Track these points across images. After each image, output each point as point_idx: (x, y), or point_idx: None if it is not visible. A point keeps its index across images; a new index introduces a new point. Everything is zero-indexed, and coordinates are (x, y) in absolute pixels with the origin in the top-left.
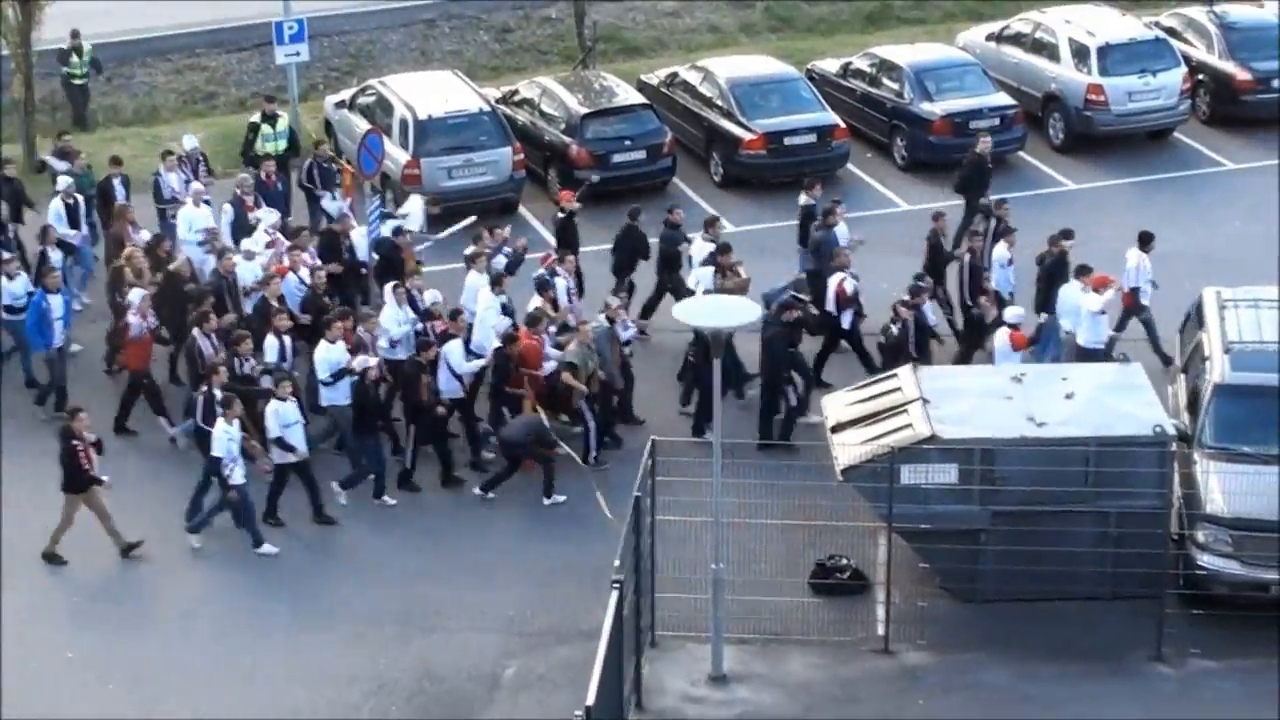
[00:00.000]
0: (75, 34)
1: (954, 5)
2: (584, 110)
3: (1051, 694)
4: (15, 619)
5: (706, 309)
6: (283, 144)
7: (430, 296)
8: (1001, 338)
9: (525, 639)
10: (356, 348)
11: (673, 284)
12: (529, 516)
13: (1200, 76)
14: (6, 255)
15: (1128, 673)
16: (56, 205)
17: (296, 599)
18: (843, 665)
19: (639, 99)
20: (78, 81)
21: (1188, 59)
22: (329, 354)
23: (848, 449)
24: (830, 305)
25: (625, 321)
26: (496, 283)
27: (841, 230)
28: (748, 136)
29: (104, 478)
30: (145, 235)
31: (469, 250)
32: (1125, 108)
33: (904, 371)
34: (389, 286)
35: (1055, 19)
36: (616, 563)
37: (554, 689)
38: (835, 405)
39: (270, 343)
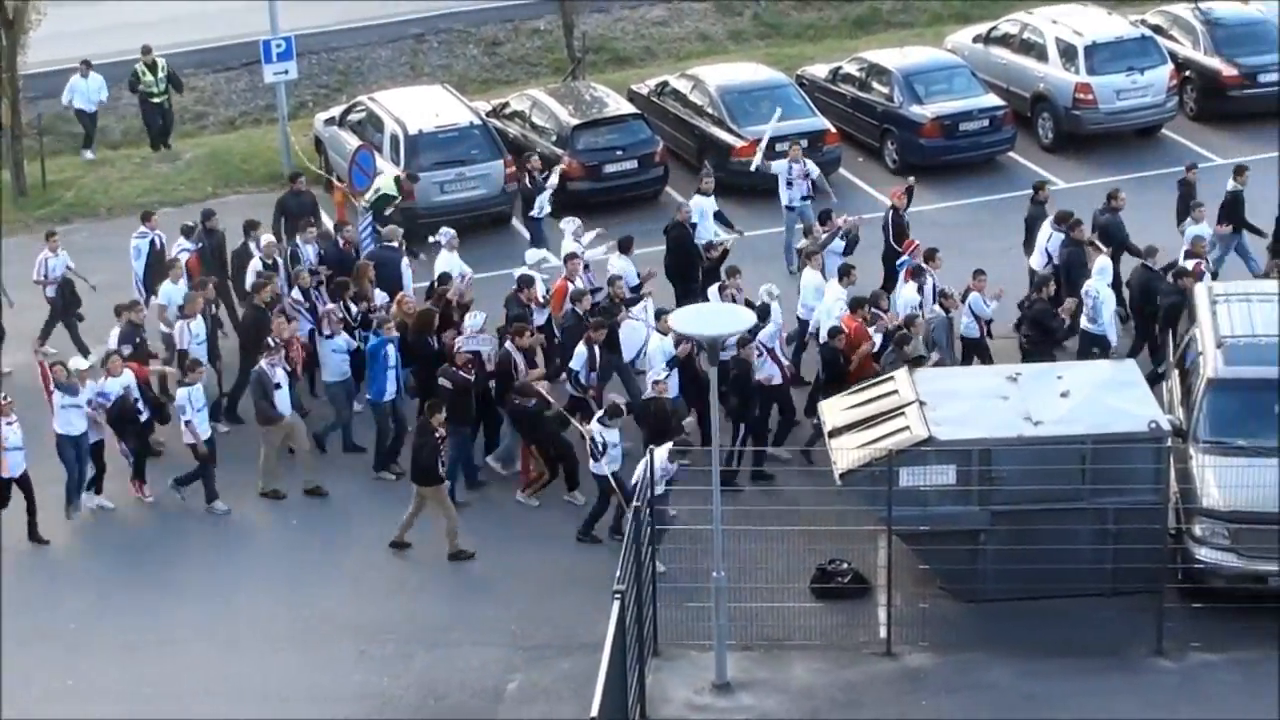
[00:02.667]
0: (147, 49)
1: (941, 8)
2: (575, 121)
3: (1054, 691)
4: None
5: (702, 317)
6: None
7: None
8: None
9: (528, 652)
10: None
11: None
12: (528, 528)
13: (1187, 73)
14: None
15: (1129, 668)
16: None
17: (300, 616)
18: (846, 669)
19: (630, 109)
20: (156, 100)
21: (1174, 56)
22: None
23: (846, 453)
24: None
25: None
26: (845, 274)
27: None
28: (739, 144)
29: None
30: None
31: (801, 244)
32: (1113, 106)
33: (900, 374)
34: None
35: (1042, 19)
36: (618, 573)
37: (558, 701)
38: (832, 410)
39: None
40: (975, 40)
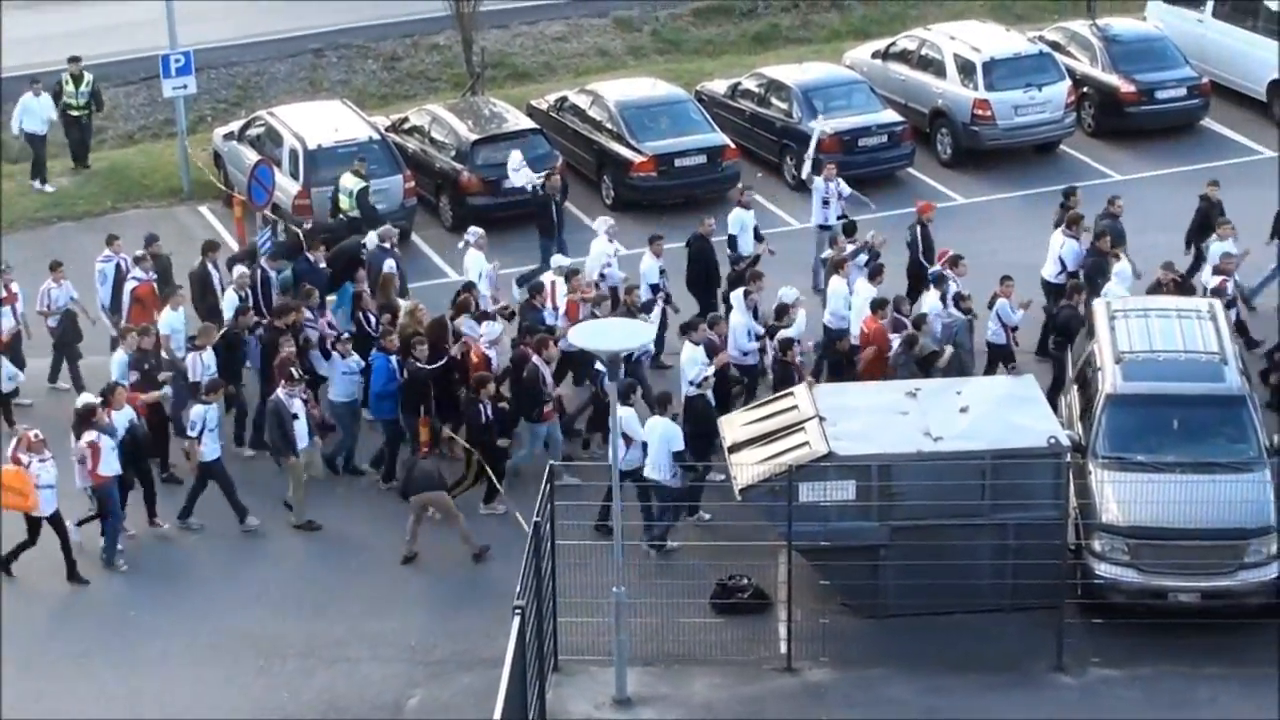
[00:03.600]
0: (74, 59)
1: (840, 24)
2: (474, 136)
3: (955, 706)
4: None
5: (603, 332)
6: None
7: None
8: None
9: (428, 667)
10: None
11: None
12: (427, 541)
13: (1085, 89)
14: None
15: (1030, 683)
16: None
17: (196, 633)
18: (746, 684)
19: (529, 124)
20: (75, 113)
21: (1072, 72)
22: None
23: (745, 468)
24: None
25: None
26: (875, 275)
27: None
28: (638, 159)
29: None
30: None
31: (826, 254)
32: (1011, 122)
33: (800, 389)
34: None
35: (940, 35)
36: (518, 588)
37: (459, 716)
38: (732, 425)
39: None
40: (874, 56)
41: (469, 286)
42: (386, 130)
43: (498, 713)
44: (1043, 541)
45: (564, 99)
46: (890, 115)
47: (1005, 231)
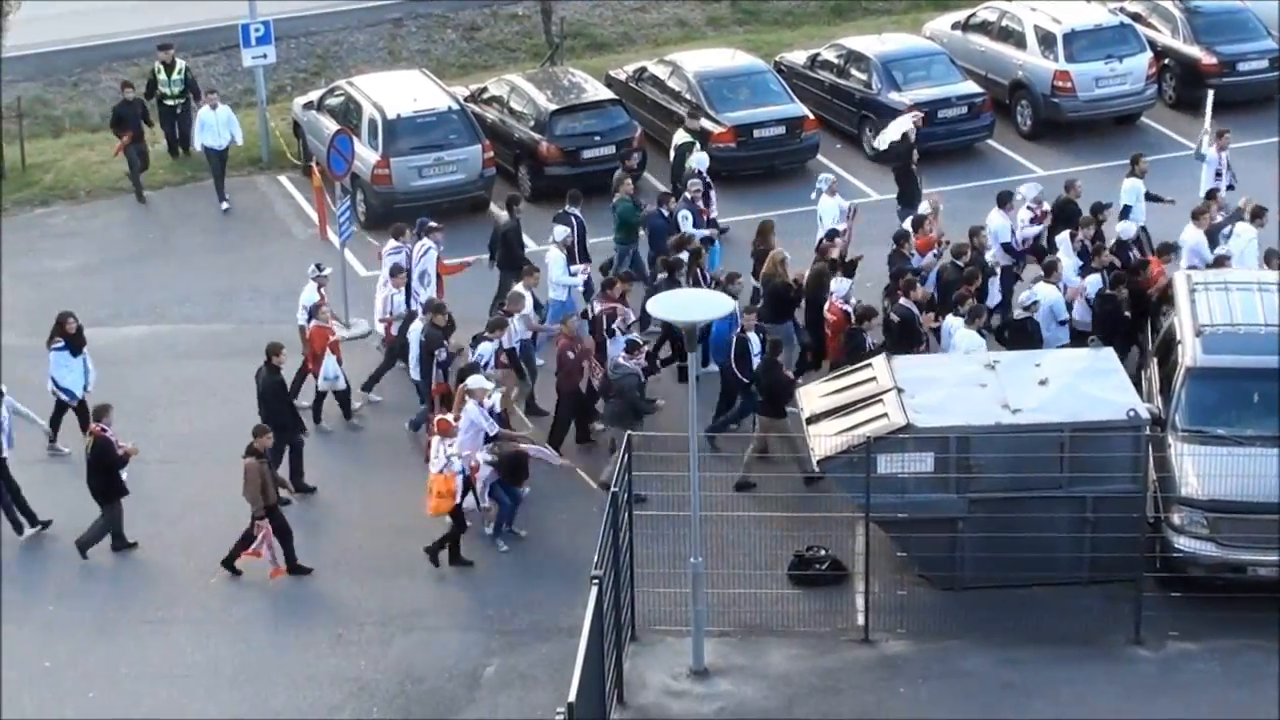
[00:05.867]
0: (164, 46)
1: None
2: (553, 106)
3: (1031, 679)
4: None
5: (681, 303)
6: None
7: None
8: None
9: (506, 637)
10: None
11: None
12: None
13: (1166, 61)
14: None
15: (1107, 656)
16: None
17: (276, 600)
18: (823, 656)
19: (608, 94)
20: (170, 103)
21: (1153, 44)
22: None
23: (824, 440)
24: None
25: None
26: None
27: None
28: (717, 129)
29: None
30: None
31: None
32: (1092, 94)
33: (878, 361)
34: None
35: (1021, 6)
36: (595, 558)
37: (535, 686)
38: (811, 396)
39: None
40: (954, 27)
41: (831, 235)
42: (465, 100)
43: (575, 683)
44: (1121, 515)
45: (643, 69)
46: (970, 86)
47: (1087, 203)
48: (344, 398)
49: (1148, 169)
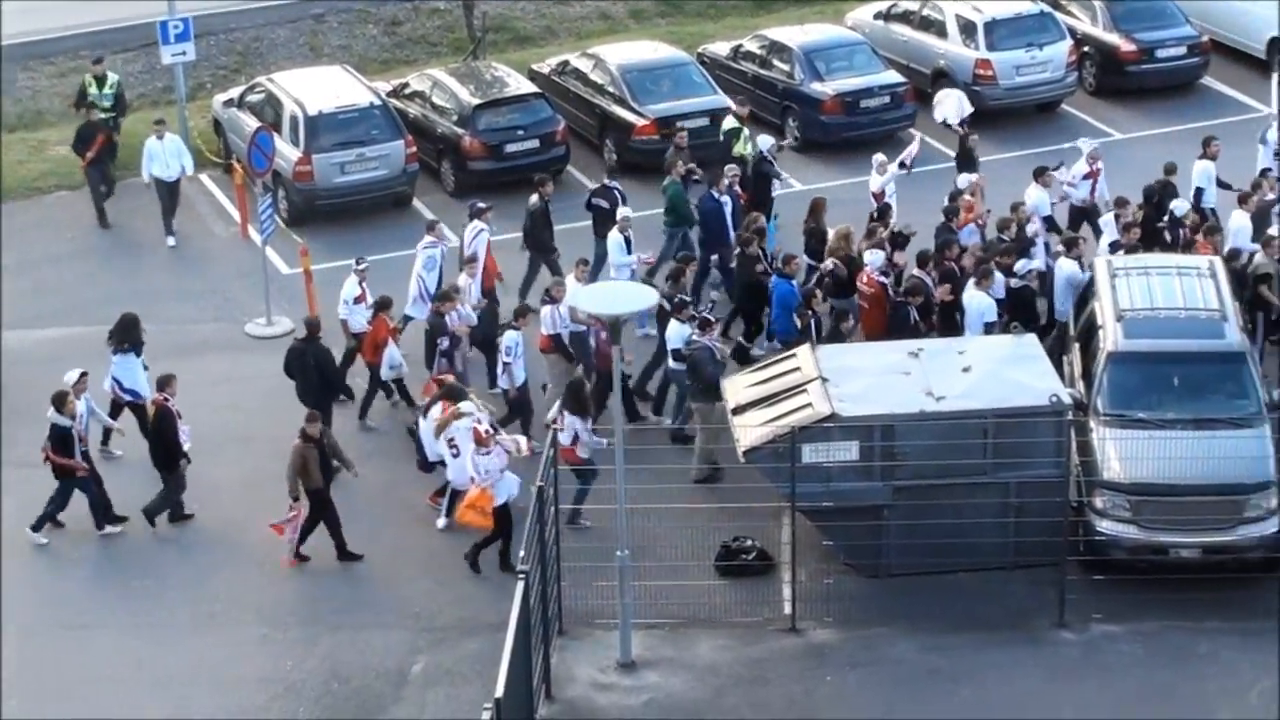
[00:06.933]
0: (97, 60)
1: None
2: (476, 101)
3: (957, 664)
4: None
5: (606, 296)
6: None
7: None
8: None
9: (432, 634)
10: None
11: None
12: (426, 509)
13: (1086, 49)
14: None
15: (1032, 640)
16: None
17: (199, 601)
18: (751, 646)
19: (531, 88)
20: (103, 116)
21: (1073, 32)
22: None
23: (749, 430)
24: None
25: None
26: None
27: None
28: (640, 122)
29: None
30: None
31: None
32: (1013, 82)
33: (802, 351)
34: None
35: None
36: (521, 553)
37: (463, 682)
38: (736, 387)
39: None
40: (876, 17)
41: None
42: (388, 96)
43: (502, 678)
44: (1045, 499)
45: (566, 63)
46: (892, 76)
47: (1007, 191)
48: (403, 386)
49: (1219, 151)
